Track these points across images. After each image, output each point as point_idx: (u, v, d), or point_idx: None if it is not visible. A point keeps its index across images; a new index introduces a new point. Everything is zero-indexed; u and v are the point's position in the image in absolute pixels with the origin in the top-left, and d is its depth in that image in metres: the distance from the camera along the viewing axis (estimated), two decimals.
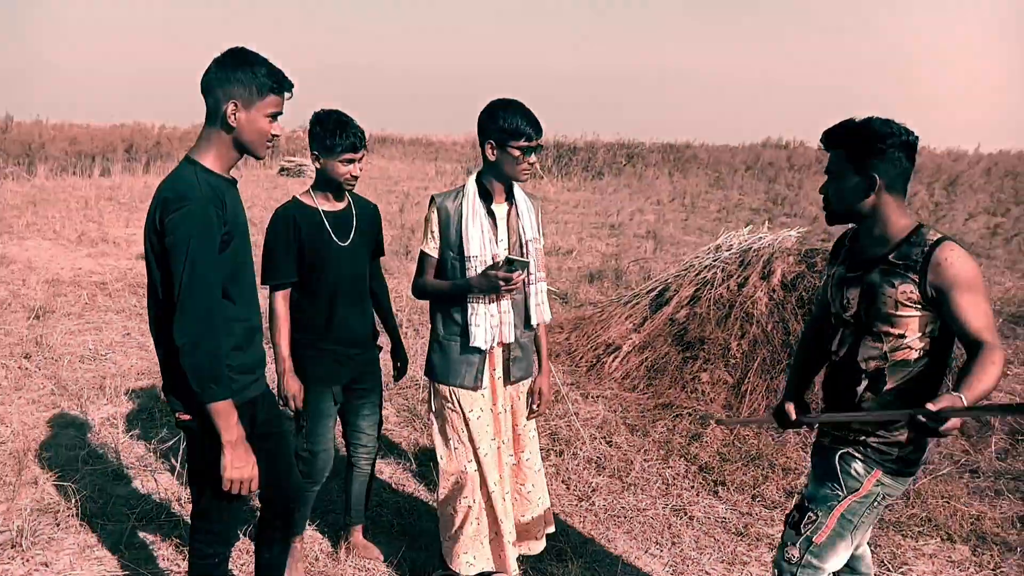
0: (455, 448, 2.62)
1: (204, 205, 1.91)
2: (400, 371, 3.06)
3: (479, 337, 2.52)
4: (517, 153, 2.43)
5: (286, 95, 2.07)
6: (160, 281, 1.98)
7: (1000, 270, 9.44)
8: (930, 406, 1.69)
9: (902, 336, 1.94)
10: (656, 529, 3.35)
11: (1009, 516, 3.46)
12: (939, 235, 1.92)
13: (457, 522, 2.64)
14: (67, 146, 18.40)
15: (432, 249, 2.58)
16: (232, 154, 2.05)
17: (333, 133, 2.59)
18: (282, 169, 17.41)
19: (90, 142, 19.10)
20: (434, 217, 2.56)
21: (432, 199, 2.59)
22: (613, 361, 5.28)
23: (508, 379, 2.64)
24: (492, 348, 2.57)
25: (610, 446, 4.12)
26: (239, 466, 2.00)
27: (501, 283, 2.40)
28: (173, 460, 3.79)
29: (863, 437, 2.01)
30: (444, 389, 2.62)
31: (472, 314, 2.52)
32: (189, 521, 2.24)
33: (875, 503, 2.02)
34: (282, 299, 2.67)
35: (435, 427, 2.69)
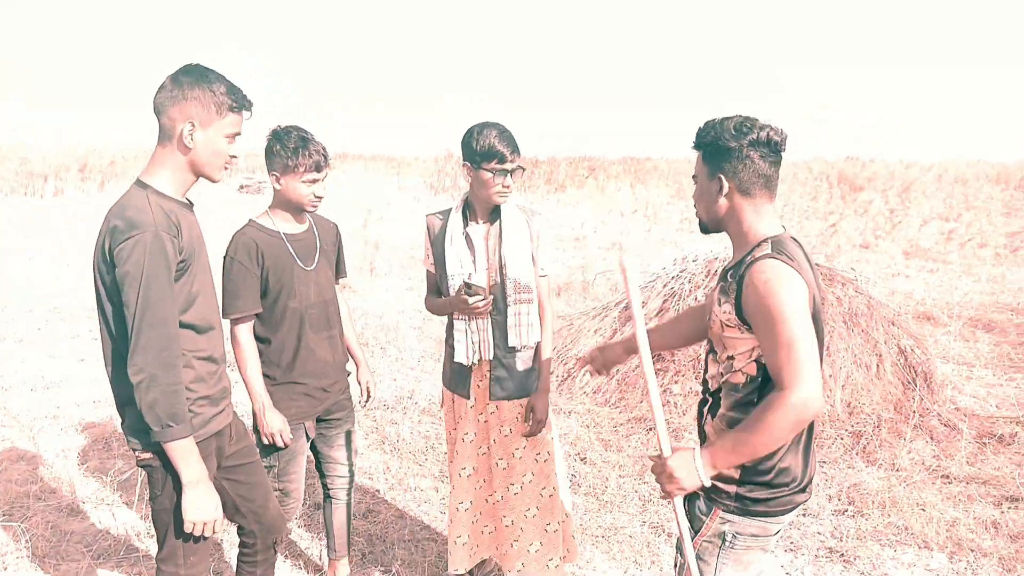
0: (451, 442, 2.76)
1: (156, 232, 1.79)
2: (368, 393, 2.94)
3: (461, 352, 2.59)
4: (488, 175, 2.44)
5: (245, 114, 1.96)
6: (112, 314, 1.86)
7: (957, 275, 9.66)
8: None
9: (731, 358, 1.78)
10: (635, 548, 3.29)
11: (983, 521, 3.47)
12: (766, 251, 1.70)
13: (451, 519, 2.72)
14: (18, 167, 17.91)
15: (429, 264, 2.69)
16: (187, 176, 1.94)
17: (295, 152, 2.43)
18: (241, 187, 17.16)
19: (42, 162, 18.61)
20: (425, 233, 2.68)
21: (426, 217, 2.71)
22: (584, 375, 5.23)
23: (491, 396, 2.62)
24: (475, 364, 2.61)
25: (584, 463, 4.06)
26: (201, 507, 1.88)
27: (462, 306, 2.45)
28: (131, 493, 3.63)
29: None
30: (447, 394, 2.75)
31: (455, 330, 2.61)
32: (156, 564, 2.12)
33: (729, 543, 1.81)
34: (246, 332, 2.51)
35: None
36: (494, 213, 2.58)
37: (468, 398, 2.64)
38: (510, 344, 2.57)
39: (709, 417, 1.85)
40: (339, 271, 2.79)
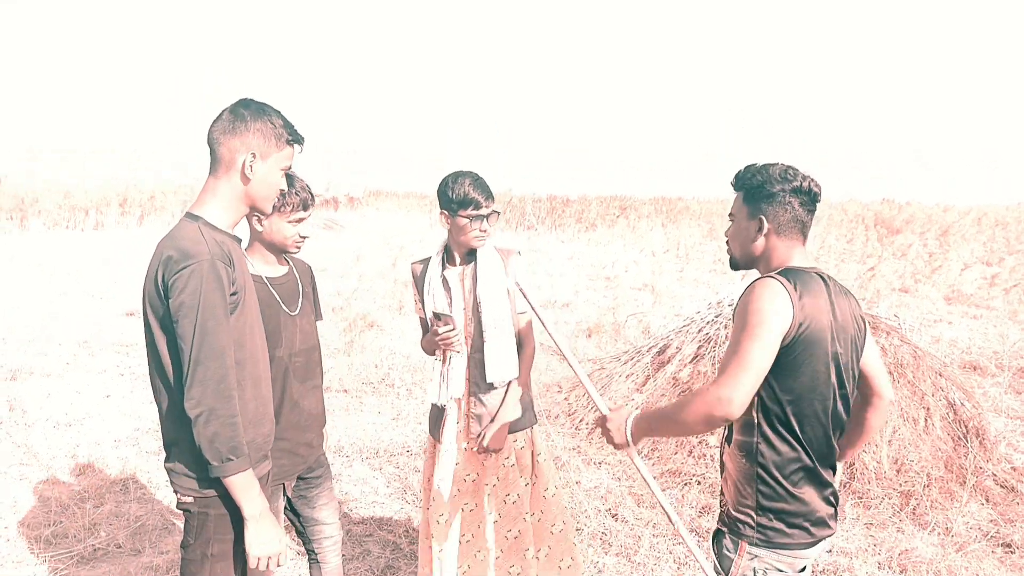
0: (427, 489, 2.73)
1: (213, 262, 1.75)
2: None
3: (432, 392, 2.67)
4: (464, 222, 2.53)
5: (297, 148, 1.97)
6: (167, 346, 1.79)
7: (1002, 321, 9.30)
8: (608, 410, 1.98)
9: None
10: None
11: None
12: (773, 274, 1.81)
13: (423, 560, 2.76)
14: (61, 200, 18.33)
15: (419, 310, 2.76)
16: (240, 208, 1.92)
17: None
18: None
19: (84, 196, 19.04)
20: (411, 280, 2.77)
21: (410, 265, 2.80)
22: None
23: (469, 432, 2.65)
24: (448, 404, 2.63)
25: (616, 520, 3.86)
26: (266, 540, 1.80)
27: (434, 339, 2.52)
28: (145, 541, 3.52)
29: (727, 508, 1.90)
30: (430, 440, 2.76)
31: (433, 370, 2.68)
32: None
33: None
34: None
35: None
36: (471, 255, 2.65)
37: (439, 440, 2.65)
38: (488, 380, 2.60)
39: (726, 446, 1.91)
40: (317, 313, 2.65)
